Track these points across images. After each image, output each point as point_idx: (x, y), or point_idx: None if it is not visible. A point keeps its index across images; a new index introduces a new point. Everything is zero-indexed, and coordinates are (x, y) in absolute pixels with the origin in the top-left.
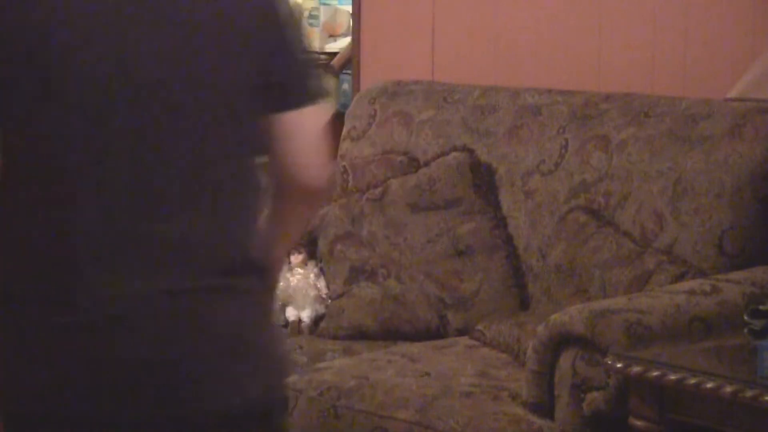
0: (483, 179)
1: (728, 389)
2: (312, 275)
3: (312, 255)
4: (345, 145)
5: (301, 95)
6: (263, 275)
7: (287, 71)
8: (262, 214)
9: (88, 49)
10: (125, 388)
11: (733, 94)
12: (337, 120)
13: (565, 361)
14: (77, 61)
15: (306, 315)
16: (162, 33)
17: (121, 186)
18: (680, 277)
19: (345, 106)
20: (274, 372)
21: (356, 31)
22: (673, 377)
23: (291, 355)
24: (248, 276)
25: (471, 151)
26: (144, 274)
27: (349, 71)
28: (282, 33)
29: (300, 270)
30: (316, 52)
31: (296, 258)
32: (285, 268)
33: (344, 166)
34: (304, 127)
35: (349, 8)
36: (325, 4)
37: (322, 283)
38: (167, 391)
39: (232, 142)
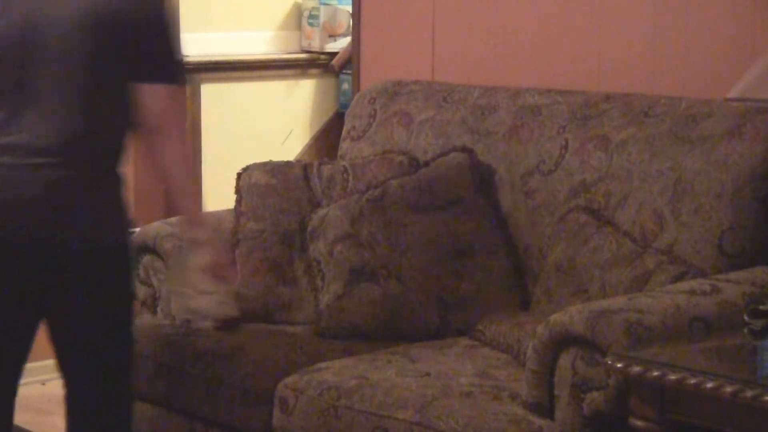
0: (483, 179)
1: (728, 389)
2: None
3: (312, 254)
4: (345, 145)
5: (160, 75)
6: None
7: (154, 55)
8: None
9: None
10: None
11: (733, 94)
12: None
13: (565, 361)
14: None
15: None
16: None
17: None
18: (680, 277)
19: (345, 106)
20: (112, 226)
21: (356, 31)
22: (673, 377)
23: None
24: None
25: (471, 151)
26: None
27: (349, 71)
28: (158, 27)
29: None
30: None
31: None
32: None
33: (344, 166)
34: (155, 95)
35: (349, 8)
36: (325, 4)
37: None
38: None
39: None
